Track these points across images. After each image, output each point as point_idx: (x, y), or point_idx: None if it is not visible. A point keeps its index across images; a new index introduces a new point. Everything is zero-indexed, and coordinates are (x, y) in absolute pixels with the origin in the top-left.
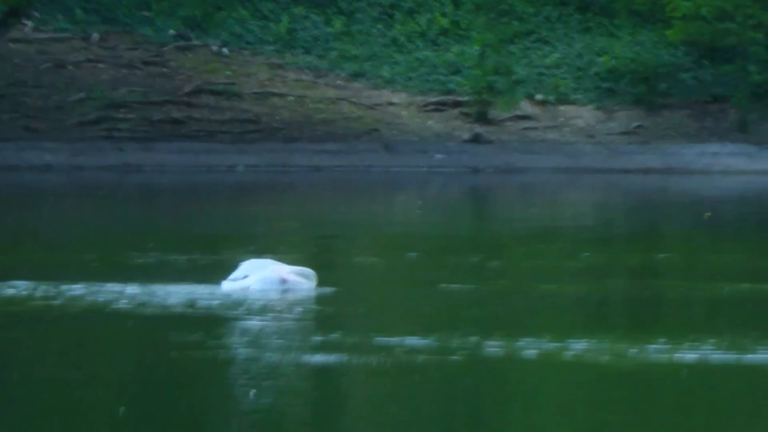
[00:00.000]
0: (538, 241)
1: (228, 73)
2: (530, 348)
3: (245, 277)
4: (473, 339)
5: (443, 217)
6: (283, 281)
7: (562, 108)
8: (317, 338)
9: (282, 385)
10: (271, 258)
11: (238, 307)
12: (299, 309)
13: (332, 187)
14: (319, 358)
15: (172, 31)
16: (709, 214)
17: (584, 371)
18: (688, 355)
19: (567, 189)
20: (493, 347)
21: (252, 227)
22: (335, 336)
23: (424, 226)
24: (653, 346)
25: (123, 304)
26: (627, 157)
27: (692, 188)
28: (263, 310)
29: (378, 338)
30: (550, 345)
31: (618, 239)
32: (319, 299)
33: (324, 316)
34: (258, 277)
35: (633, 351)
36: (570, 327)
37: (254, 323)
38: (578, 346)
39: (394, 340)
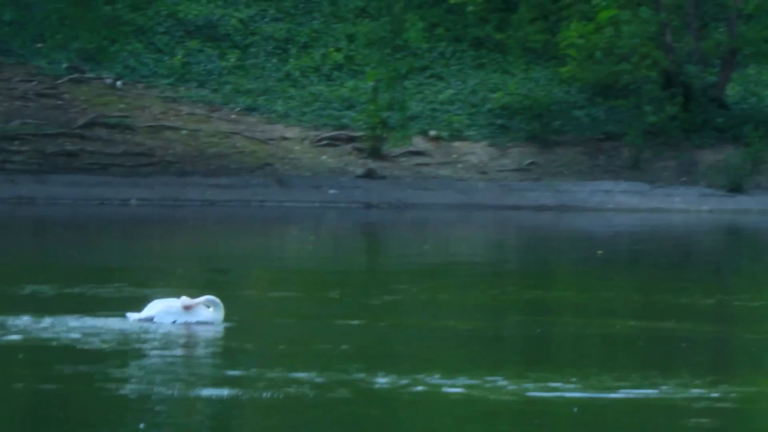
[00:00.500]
0: (431, 276)
1: (122, 106)
2: (420, 383)
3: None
4: (363, 374)
5: (336, 252)
6: (186, 308)
7: (455, 144)
8: (210, 371)
9: (171, 420)
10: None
11: (136, 338)
12: (196, 341)
13: (225, 221)
14: (211, 392)
15: (65, 64)
16: (601, 252)
17: (472, 406)
18: (579, 392)
19: (460, 225)
20: (382, 382)
21: (144, 261)
22: (228, 369)
23: (316, 260)
24: (543, 383)
25: (12, 336)
26: (520, 193)
27: (585, 225)
28: (161, 341)
29: (270, 372)
30: (439, 380)
31: (510, 275)
32: (212, 332)
33: (218, 350)
34: (161, 306)
35: (523, 387)
36: (460, 362)
37: (150, 355)
38: (468, 381)
39: (285, 375)
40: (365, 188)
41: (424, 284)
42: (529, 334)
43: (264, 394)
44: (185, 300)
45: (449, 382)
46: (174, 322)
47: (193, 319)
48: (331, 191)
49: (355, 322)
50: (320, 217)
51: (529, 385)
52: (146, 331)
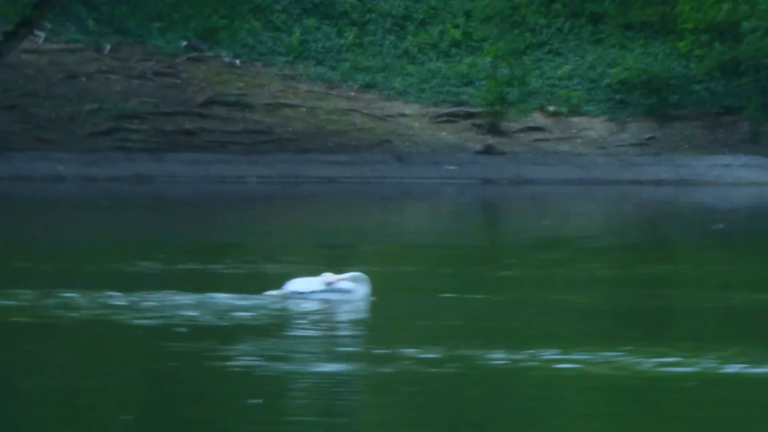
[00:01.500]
0: (550, 251)
1: (240, 84)
2: (535, 359)
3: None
4: (481, 350)
5: (454, 227)
6: (328, 284)
7: (574, 119)
8: (335, 347)
9: (289, 395)
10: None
11: (271, 314)
12: (329, 317)
13: (344, 198)
14: (333, 367)
15: (183, 42)
16: (721, 225)
17: (587, 382)
18: (697, 366)
19: (579, 200)
20: (499, 358)
21: (263, 238)
22: (352, 345)
23: (436, 236)
24: (660, 358)
25: (137, 314)
26: (638, 168)
27: (704, 199)
28: (298, 316)
29: (392, 348)
30: (555, 356)
31: (629, 250)
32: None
33: (342, 324)
34: (302, 283)
35: (641, 362)
36: (577, 337)
37: (285, 331)
38: (583, 356)
39: (407, 350)
40: (483, 164)
41: (542, 259)
42: (647, 307)
43: (386, 369)
44: (327, 276)
45: (565, 357)
46: (312, 292)
47: (335, 296)
48: (450, 167)
49: (473, 296)
50: (439, 192)
51: (646, 360)
52: (284, 308)
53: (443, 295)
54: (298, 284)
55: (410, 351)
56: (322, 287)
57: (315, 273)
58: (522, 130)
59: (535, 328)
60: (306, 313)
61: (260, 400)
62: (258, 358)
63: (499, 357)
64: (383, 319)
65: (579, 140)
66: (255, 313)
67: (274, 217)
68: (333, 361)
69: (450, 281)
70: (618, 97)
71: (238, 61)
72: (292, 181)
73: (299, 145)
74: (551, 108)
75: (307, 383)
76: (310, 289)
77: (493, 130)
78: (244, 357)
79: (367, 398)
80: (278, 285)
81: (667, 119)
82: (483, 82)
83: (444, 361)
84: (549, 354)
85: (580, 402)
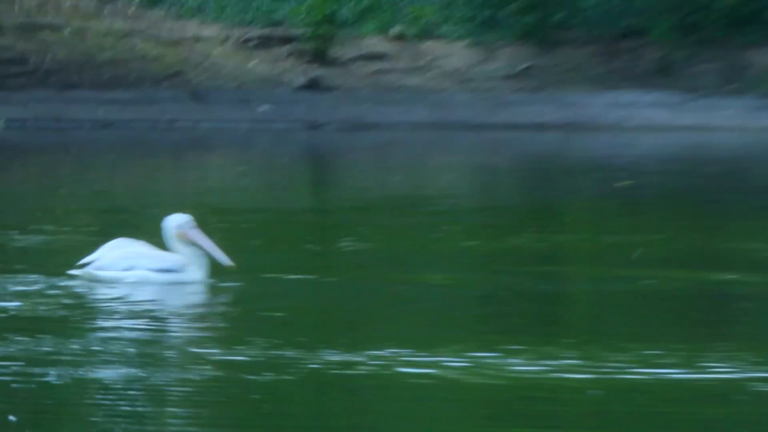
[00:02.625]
0: (400, 215)
1: None
2: (380, 362)
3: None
4: (306, 350)
5: (272, 186)
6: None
7: (426, 45)
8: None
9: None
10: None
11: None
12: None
13: (124, 147)
14: (117, 374)
15: None
16: (628, 182)
17: (452, 394)
18: (600, 370)
19: (436, 150)
20: (330, 361)
21: (19, 202)
22: (155, 345)
23: (247, 198)
24: (551, 360)
25: None
26: (513, 108)
27: (601, 149)
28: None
29: (201, 347)
30: (408, 358)
31: (505, 215)
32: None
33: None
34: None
35: (524, 366)
36: (438, 333)
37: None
38: (447, 359)
39: (213, 351)
40: (308, 103)
41: (389, 226)
42: (531, 291)
43: (184, 377)
44: (144, 250)
45: (419, 359)
46: (128, 270)
47: (157, 277)
48: (264, 107)
49: (299, 277)
50: (249, 141)
51: (531, 363)
52: (81, 295)
53: (261, 275)
54: (107, 260)
55: (216, 351)
56: (144, 266)
57: (96, 244)
58: (357, 59)
59: (380, 319)
60: (109, 301)
61: (14, 418)
62: (21, 363)
63: (330, 359)
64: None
65: (433, 72)
66: (35, 303)
67: (30, 174)
68: (121, 366)
69: (267, 257)
70: (484, 14)
71: None
72: (53, 125)
73: (63, 78)
74: (395, 29)
75: (71, 394)
76: (124, 267)
77: (319, 58)
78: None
79: (148, 413)
80: (64, 260)
81: (550, 44)
82: None
83: (257, 366)
84: (397, 355)
85: (434, 422)
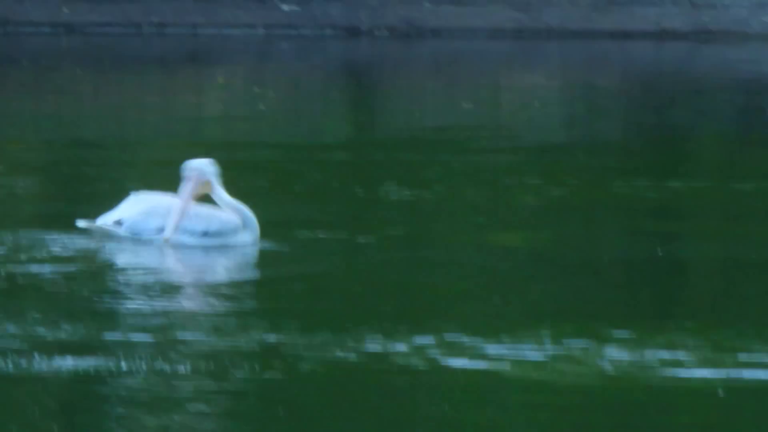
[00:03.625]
0: (467, 154)
1: None
2: (452, 351)
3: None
4: (339, 334)
5: (299, 113)
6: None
7: None
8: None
9: None
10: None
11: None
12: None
13: (95, 60)
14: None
15: None
16: None
17: (535, 395)
18: (729, 365)
19: (518, 65)
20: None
21: None
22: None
23: (268, 128)
24: (663, 350)
25: None
26: (624, 10)
27: (744, 64)
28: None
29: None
30: (484, 348)
31: (609, 153)
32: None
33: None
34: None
35: (626, 356)
36: (514, 311)
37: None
38: (527, 348)
39: (207, 339)
40: (347, 1)
41: (447, 171)
42: (632, 257)
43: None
44: (184, 203)
45: (475, 348)
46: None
47: (199, 241)
48: (287, 6)
49: (328, 236)
50: (266, 52)
51: (619, 353)
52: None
53: (280, 233)
54: (130, 217)
55: (209, 339)
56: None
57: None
58: None
59: (432, 295)
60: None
61: None
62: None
63: (364, 348)
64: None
65: None
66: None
67: None
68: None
69: (289, 208)
70: None
71: None
72: None
73: None
74: None
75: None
76: (155, 227)
77: None
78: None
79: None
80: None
81: None
82: None
83: (272, 356)
84: (451, 343)
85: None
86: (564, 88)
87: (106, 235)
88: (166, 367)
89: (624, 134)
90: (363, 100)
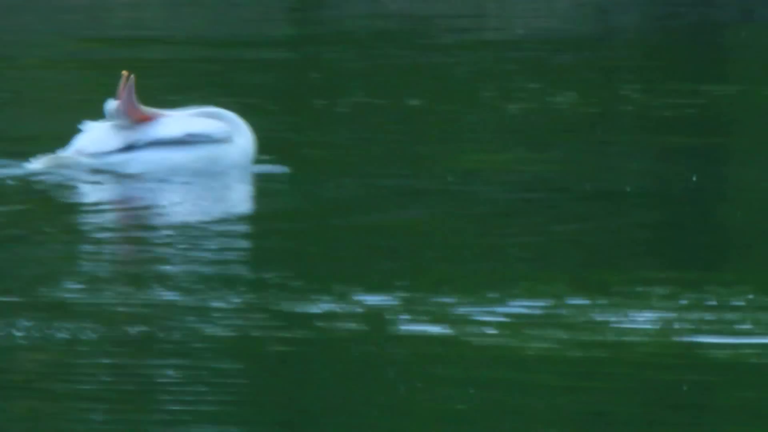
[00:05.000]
0: (435, 51)
1: None
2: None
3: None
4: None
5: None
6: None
7: None
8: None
9: None
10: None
11: None
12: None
13: None
14: None
15: None
16: None
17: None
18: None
19: None
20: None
21: None
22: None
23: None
24: (695, 314)
25: None
26: None
27: None
28: None
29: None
30: (483, 310)
31: (623, 47)
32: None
33: None
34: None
35: (666, 317)
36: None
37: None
38: (531, 306)
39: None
40: None
41: (425, 85)
42: (655, 191)
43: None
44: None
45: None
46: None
47: (185, 154)
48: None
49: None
50: None
51: (643, 314)
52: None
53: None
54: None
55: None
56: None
57: None
58: None
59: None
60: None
61: None
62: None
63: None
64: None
65: None
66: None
67: None
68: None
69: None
70: None
71: None
72: None
73: None
74: None
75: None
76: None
77: None
78: None
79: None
80: None
81: None
82: None
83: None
84: (450, 305)
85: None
86: None
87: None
88: (114, 332)
89: (643, 26)
90: None
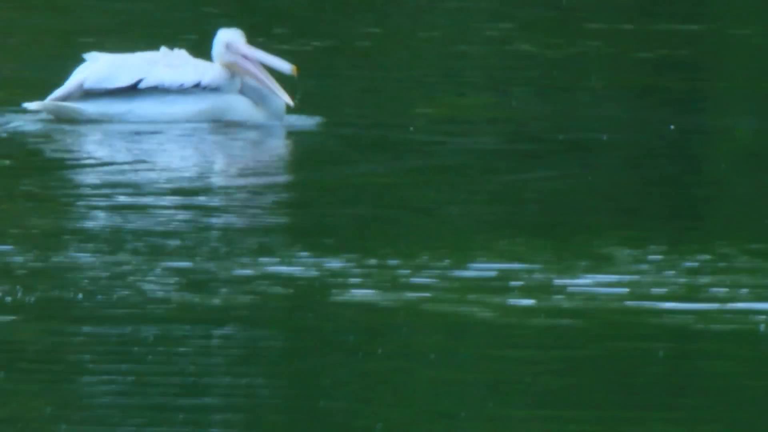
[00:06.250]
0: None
1: None
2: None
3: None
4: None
5: None
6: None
7: None
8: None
9: None
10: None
11: None
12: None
13: None
14: None
15: None
16: None
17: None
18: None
19: None
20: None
21: None
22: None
23: None
24: (693, 275)
25: None
26: None
27: None
28: None
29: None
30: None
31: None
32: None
33: None
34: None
35: (649, 280)
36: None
37: None
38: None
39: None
40: None
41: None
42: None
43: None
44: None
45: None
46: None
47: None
48: None
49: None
50: None
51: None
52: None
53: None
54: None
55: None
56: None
57: None
58: None
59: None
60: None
61: None
62: None
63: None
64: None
65: None
66: None
67: None
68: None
69: None
70: None
71: None
72: None
73: None
74: None
75: None
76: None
77: None
78: None
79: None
80: None
81: None
82: None
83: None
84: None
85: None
86: None
87: (65, 116)
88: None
89: None
90: None
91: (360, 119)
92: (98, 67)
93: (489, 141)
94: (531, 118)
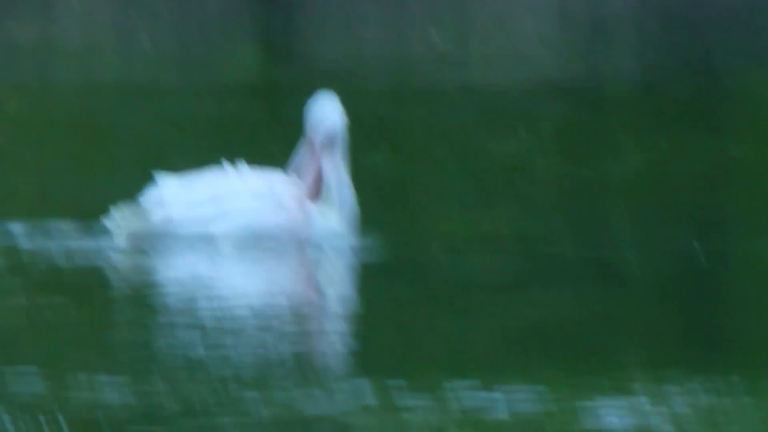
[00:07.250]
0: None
1: None
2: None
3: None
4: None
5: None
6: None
7: None
8: None
9: None
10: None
11: None
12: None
13: None
14: None
15: None
16: None
17: None
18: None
19: None
20: None
21: None
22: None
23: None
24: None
25: None
26: None
27: None
28: None
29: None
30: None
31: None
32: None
33: None
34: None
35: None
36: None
37: None
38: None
39: None
40: None
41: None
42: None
43: None
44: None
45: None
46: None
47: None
48: None
49: None
50: None
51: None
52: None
53: None
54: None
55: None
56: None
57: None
58: None
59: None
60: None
61: None
62: None
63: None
64: None
65: None
66: None
67: None
68: None
69: None
70: None
71: None
72: None
73: None
74: None
75: None
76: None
77: None
78: None
79: None
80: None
81: None
82: None
83: None
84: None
85: None
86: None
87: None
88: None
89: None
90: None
91: (375, 239)
92: (180, 208)
93: (506, 259)
94: (551, 234)
